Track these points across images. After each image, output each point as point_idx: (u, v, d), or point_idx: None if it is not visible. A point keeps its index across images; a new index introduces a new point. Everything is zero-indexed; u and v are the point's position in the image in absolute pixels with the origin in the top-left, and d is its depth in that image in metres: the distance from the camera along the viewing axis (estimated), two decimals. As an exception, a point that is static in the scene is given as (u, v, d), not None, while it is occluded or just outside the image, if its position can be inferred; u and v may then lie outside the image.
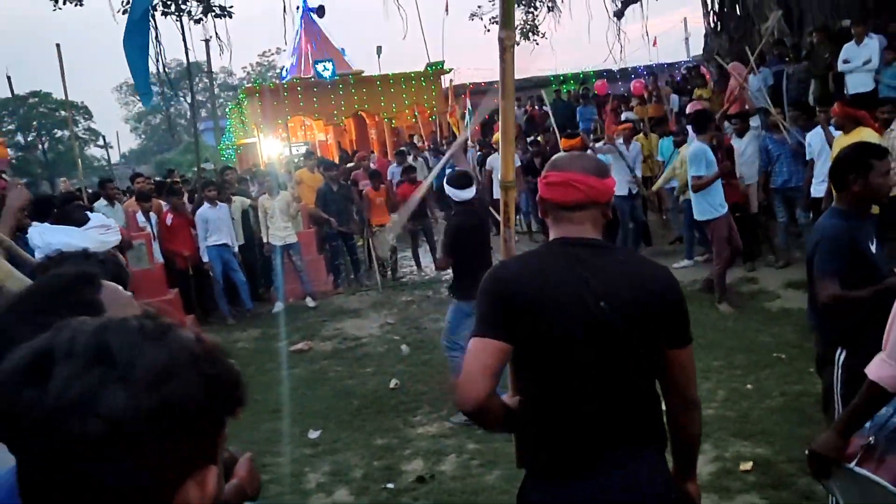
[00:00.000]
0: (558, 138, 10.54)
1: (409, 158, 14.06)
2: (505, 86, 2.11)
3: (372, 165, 12.14)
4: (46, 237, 2.46)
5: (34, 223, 5.05)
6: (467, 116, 16.19)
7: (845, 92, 9.76)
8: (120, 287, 1.30)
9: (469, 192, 5.06)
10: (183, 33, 7.94)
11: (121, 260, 1.98)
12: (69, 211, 3.12)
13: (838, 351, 2.92)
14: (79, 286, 1.23)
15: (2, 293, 1.43)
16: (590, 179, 1.91)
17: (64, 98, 7.59)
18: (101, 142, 46.49)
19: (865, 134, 5.97)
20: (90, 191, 9.19)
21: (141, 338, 0.69)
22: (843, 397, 2.83)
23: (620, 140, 9.18)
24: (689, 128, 8.75)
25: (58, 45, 7.67)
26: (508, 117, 2.22)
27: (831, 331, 3.03)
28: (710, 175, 6.70)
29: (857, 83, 9.84)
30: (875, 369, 2.25)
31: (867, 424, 2.35)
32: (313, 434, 5.04)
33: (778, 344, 5.61)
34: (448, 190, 5.13)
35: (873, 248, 3.01)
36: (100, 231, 2.75)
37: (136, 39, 7.18)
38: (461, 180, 5.11)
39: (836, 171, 3.08)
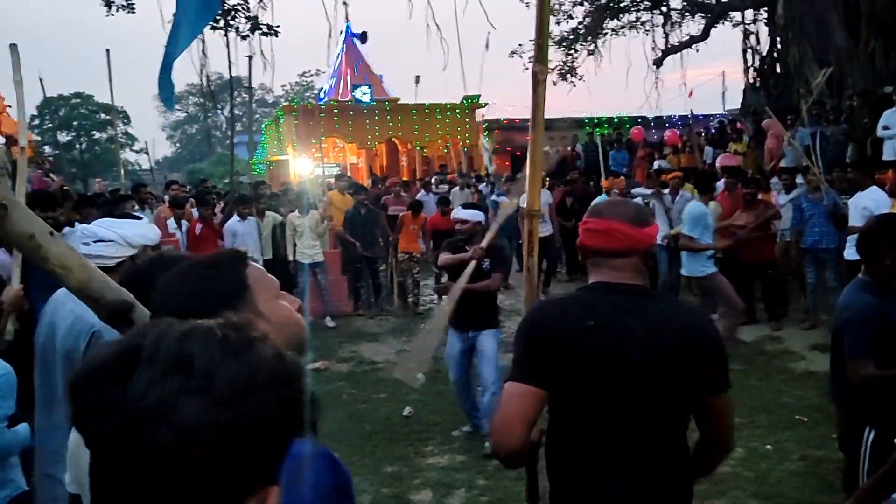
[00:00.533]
0: (602, 177, 10.53)
1: (448, 188, 14.14)
2: (535, 117, 2.22)
3: (402, 193, 12.23)
4: (118, 230, 2.46)
5: (77, 224, 5.15)
6: (485, 152, 16.27)
7: (883, 157, 9.73)
8: (264, 270, 1.39)
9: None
10: (228, 48, 8.10)
11: None
12: (121, 211, 3.18)
13: (866, 430, 2.83)
14: (232, 263, 1.32)
15: (99, 305, 1.44)
16: (629, 229, 1.89)
17: (108, 101, 7.76)
18: (136, 146, 47.40)
19: None
20: (122, 193, 9.34)
21: (222, 350, 0.70)
22: (869, 477, 2.75)
23: (667, 190, 8.67)
24: (720, 183, 8.76)
25: (107, 51, 7.87)
26: (537, 148, 2.29)
27: (859, 409, 2.92)
28: (703, 243, 6.71)
29: (893, 150, 9.80)
30: None
31: (894, 496, 2.30)
32: (324, 455, 5.00)
33: (801, 406, 5.51)
34: (480, 215, 5.45)
35: None
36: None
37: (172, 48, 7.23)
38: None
39: (867, 243, 2.99)
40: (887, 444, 2.31)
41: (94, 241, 2.42)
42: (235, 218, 8.67)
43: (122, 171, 8.02)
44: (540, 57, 2.21)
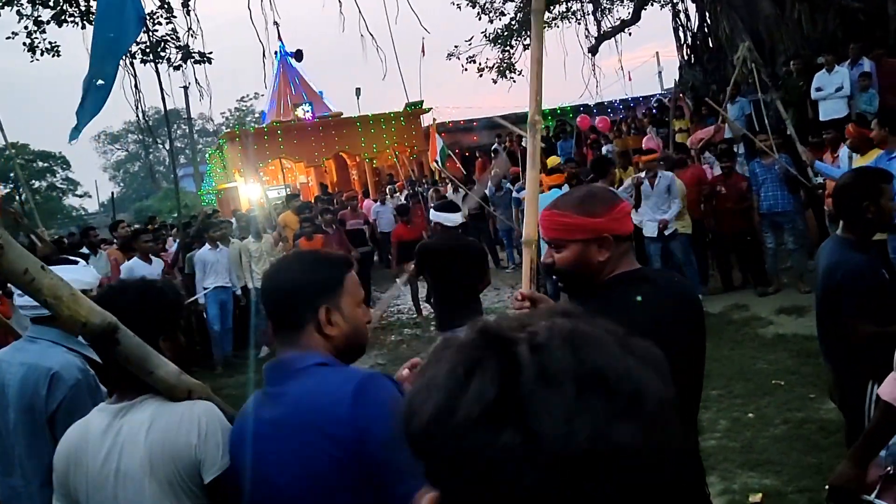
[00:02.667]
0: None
1: (397, 196, 13.98)
2: (533, 158, 2.47)
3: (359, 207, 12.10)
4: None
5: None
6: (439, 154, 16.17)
7: (820, 118, 9.96)
8: (357, 279, 1.78)
9: (456, 217, 5.34)
10: (160, 80, 7.85)
11: None
12: (57, 257, 3.09)
13: (870, 385, 2.75)
14: (337, 264, 1.73)
15: (87, 328, 1.60)
16: (565, 217, 1.91)
17: (45, 149, 7.48)
18: (79, 191, 46.26)
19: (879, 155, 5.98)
20: (66, 240, 9.02)
21: (625, 357, 0.56)
22: None
23: (643, 174, 7.99)
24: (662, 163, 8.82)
25: None
26: (534, 185, 2.45)
27: (860, 365, 2.83)
28: None
29: (830, 110, 10.05)
30: (889, 390, 2.19)
31: (883, 454, 2.28)
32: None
33: (776, 370, 5.56)
34: (438, 216, 5.36)
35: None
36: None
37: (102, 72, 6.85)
38: (450, 206, 5.44)
39: (847, 199, 2.92)
40: None
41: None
42: (207, 247, 8.49)
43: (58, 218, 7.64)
44: (536, 109, 2.47)
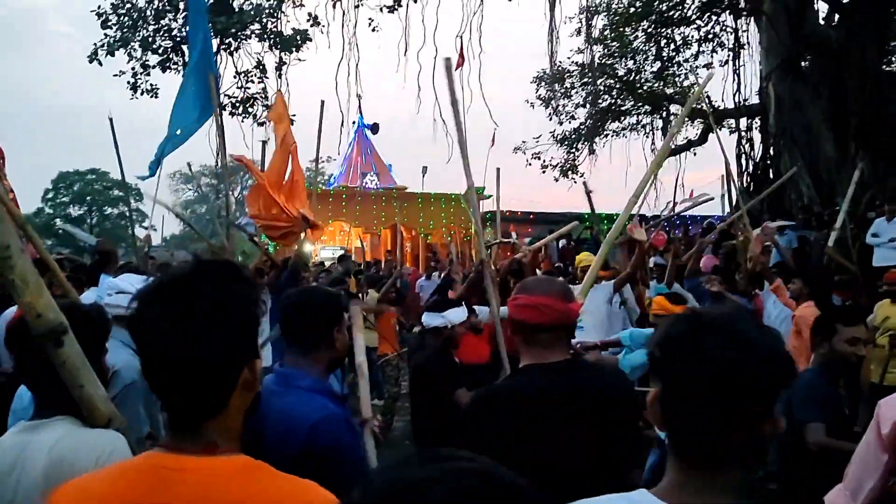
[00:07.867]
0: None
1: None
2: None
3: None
4: (138, 285, 2.70)
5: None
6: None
7: (872, 264, 10.05)
8: (357, 308, 2.68)
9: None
10: (243, 134, 8.52)
11: None
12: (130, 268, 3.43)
13: None
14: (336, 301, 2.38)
15: (40, 319, 1.57)
16: (557, 304, 2.05)
17: (123, 179, 7.96)
18: (145, 223, 48.11)
19: None
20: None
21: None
22: None
23: None
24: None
25: (110, 119, 7.89)
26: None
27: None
28: None
29: (882, 257, 10.12)
30: (832, 498, 2.42)
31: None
32: None
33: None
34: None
35: None
36: None
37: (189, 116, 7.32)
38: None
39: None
40: None
41: (116, 293, 2.68)
42: None
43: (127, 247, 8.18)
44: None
